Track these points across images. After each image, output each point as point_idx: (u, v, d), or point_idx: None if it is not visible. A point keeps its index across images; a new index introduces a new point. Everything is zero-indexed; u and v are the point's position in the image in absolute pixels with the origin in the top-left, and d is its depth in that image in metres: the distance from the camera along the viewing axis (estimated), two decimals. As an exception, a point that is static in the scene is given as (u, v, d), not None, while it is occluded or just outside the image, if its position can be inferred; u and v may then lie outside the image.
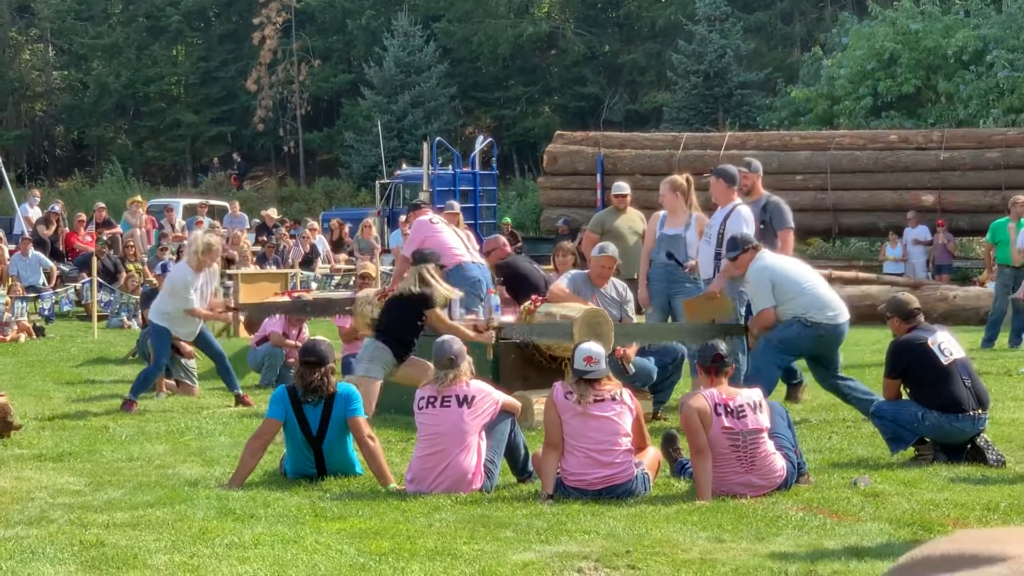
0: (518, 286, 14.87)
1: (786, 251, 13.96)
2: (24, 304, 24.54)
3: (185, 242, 29.44)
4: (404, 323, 12.55)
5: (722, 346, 10.04)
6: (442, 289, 12.74)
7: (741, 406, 9.61)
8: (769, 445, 9.66)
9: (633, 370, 13.16)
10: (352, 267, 29.87)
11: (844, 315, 12.42)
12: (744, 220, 13.71)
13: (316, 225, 35.39)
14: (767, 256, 12.60)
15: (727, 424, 9.53)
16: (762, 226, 14.07)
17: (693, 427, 9.52)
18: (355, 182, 57.46)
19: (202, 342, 15.54)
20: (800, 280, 12.44)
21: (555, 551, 7.97)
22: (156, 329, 15.30)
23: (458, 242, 16.01)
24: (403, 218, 28.82)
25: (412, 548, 7.99)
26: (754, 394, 9.84)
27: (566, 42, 62.27)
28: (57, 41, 68.03)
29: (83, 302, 26.95)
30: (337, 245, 34.31)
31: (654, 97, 59.94)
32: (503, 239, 16.85)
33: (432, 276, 12.66)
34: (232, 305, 16.13)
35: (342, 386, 10.52)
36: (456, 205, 19.26)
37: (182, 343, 16.14)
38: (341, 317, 16.48)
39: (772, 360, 12.35)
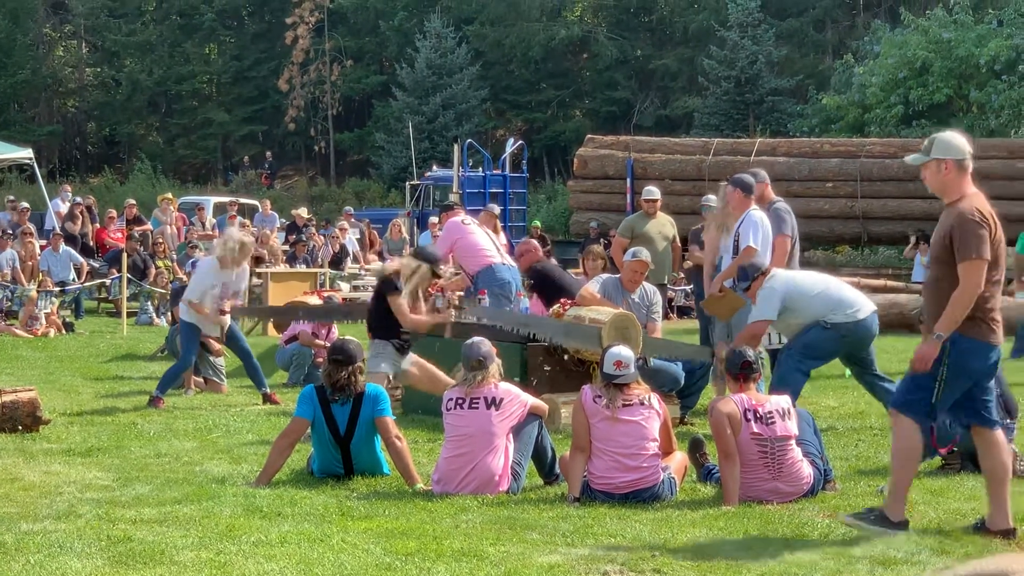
0: (547, 290, 14.78)
1: (778, 256, 13.91)
2: (50, 297, 24.67)
3: (215, 240, 29.67)
4: (380, 311, 12.46)
5: (750, 352, 10.05)
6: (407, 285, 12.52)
7: (770, 412, 9.60)
8: (797, 452, 9.65)
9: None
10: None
11: (866, 310, 12.19)
12: (754, 224, 13.62)
13: (346, 225, 35.38)
14: (777, 274, 12.49)
15: (756, 430, 9.53)
16: None
17: (722, 431, 9.51)
18: (385, 183, 57.50)
19: (230, 339, 15.56)
20: (810, 288, 12.34)
21: (581, 554, 7.99)
22: (185, 326, 15.37)
23: (489, 243, 16.03)
24: (434, 220, 28.94)
25: (438, 549, 8.01)
26: (783, 400, 9.84)
27: (598, 46, 62.19)
28: (90, 38, 68.30)
29: (110, 298, 27.07)
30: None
31: (685, 102, 59.83)
32: (535, 243, 16.82)
33: (410, 270, 12.55)
34: (225, 308, 15.73)
35: (370, 386, 10.51)
36: (496, 208, 19.26)
37: (211, 341, 16.18)
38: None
39: (796, 366, 12.25)
